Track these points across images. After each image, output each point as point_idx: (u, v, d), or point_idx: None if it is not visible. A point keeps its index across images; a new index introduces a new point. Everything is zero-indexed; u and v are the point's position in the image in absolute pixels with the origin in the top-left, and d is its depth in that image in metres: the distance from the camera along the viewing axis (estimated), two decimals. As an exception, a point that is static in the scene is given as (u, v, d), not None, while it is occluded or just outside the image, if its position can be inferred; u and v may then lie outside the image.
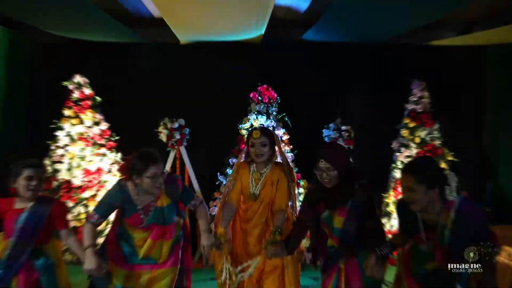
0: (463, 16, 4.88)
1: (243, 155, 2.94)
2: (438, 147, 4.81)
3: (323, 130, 4.83)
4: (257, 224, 2.77)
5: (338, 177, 2.25)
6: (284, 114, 4.87)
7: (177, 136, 4.76)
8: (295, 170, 4.46)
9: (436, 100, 4.97)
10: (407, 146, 4.81)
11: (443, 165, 4.72)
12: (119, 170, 2.48)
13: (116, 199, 2.40)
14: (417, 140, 4.77)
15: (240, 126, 4.81)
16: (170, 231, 2.46)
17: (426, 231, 2.09)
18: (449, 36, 5.09)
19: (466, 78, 5.38)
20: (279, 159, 2.98)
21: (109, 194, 2.43)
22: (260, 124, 4.69)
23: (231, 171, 4.50)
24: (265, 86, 4.80)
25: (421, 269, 2.11)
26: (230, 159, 4.71)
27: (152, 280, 2.44)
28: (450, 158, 4.80)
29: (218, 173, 4.70)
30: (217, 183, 4.71)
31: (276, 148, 2.84)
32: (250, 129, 4.62)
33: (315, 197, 2.39)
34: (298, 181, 4.63)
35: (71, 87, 4.77)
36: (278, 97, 4.85)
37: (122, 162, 2.50)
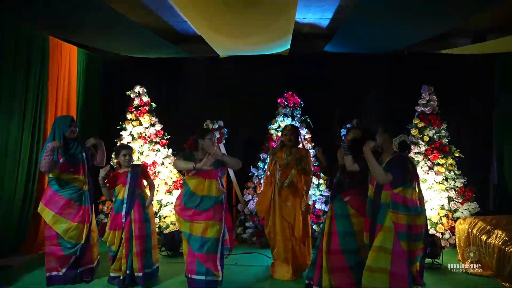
0: (476, 25, 5.06)
1: (278, 142, 4.27)
2: (445, 145, 5.22)
3: (341, 130, 5.46)
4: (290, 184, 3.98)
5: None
6: (306, 116, 5.51)
7: (217, 135, 5.60)
8: (315, 164, 5.19)
9: (447, 102, 5.39)
10: (416, 144, 5.25)
11: (450, 160, 5.17)
12: (189, 142, 3.64)
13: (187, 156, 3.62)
14: (426, 138, 5.23)
15: (269, 126, 5.56)
16: (214, 173, 3.54)
17: None
18: (463, 44, 5.38)
19: (476, 83, 5.76)
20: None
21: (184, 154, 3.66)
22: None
23: (262, 164, 5.33)
24: (290, 92, 5.52)
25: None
26: (261, 154, 5.46)
27: (206, 228, 3.47)
28: (457, 154, 5.20)
29: (251, 166, 5.44)
30: (249, 174, 5.47)
31: (299, 138, 4.13)
32: (277, 129, 5.43)
33: None
34: (318, 173, 5.34)
35: (132, 95, 5.62)
36: (301, 102, 5.54)
37: (189, 140, 3.66)
